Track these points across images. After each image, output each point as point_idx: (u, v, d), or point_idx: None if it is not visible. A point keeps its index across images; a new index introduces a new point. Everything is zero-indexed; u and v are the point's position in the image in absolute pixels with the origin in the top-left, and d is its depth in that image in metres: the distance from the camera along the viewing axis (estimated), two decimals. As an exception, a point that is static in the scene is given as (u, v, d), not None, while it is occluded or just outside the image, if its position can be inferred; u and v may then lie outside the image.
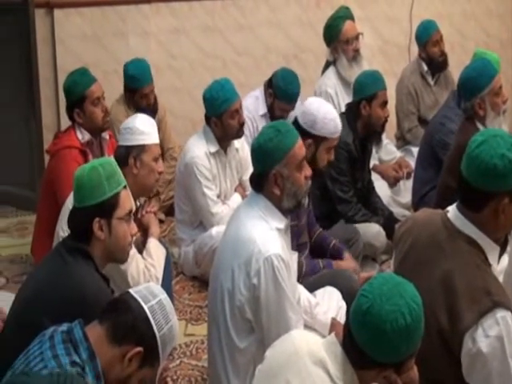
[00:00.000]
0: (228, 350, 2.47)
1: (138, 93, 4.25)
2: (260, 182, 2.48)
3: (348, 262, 3.30)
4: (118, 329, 1.81)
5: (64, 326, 1.85)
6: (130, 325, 1.81)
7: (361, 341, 1.66)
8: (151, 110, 4.26)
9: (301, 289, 2.77)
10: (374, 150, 4.02)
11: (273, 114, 4.19)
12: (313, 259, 3.19)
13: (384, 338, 1.63)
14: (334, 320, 2.74)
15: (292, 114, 4.25)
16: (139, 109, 4.22)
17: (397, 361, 1.67)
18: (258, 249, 2.37)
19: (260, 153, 2.47)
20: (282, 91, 4.11)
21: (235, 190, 3.87)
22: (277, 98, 4.15)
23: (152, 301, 1.86)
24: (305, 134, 3.01)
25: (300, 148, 2.49)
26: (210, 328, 2.58)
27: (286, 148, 2.44)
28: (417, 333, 1.67)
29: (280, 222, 2.46)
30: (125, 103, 4.31)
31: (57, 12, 4.75)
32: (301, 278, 2.94)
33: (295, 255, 2.67)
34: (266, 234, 2.41)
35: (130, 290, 1.91)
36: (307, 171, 2.51)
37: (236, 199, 3.77)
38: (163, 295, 1.90)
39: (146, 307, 1.84)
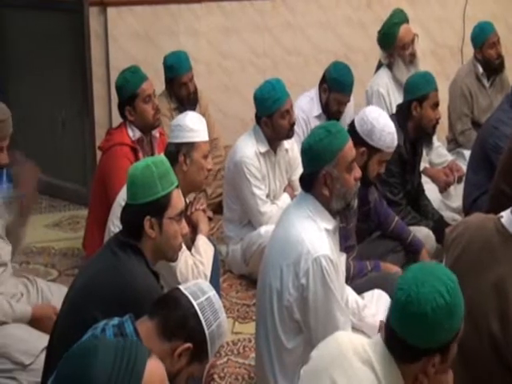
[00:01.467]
0: (275, 349, 2.47)
1: (177, 81, 4.32)
2: (309, 183, 2.48)
3: (395, 266, 3.27)
4: (167, 324, 1.83)
5: (115, 320, 1.87)
6: (179, 321, 1.83)
7: (405, 332, 1.66)
8: (191, 99, 4.35)
9: (349, 290, 2.76)
10: (424, 153, 3.98)
11: (329, 110, 4.17)
12: (361, 261, 3.18)
13: (426, 321, 1.62)
14: (382, 323, 2.70)
15: (348, 109, 4.24)
16: (180, 99, 4.33)
17: (443, 342, 1.66)
18: (306, 249, 2.37)
19: (310, 153, 2.46)
20: (336, 82, 4.09)
21: (284, 190, 3.87)
22: (332, 90, 4.12)
23: (201, 297, 1.88)
24: (360, 141, 3.00)
25: (350, 149, 2.47)
26: (257, 327, 2.59)
27: (336, 149, 2.43)
28: (458, 309, 1.66)
29: (328, 223, 2.46)
30: (167, 96, 4.39)
31: (110, 10, 4.82)
32: (349, 280, 2.94)
33: (343, 256, 2.66)
34: (315, 235, 2.40)
35: (180, 287, 1.93)
36: (357, 173, 2.49)
37: (285, 199, 3.77)
38: (212, 292, 1.92)
39: (195, 303, 1.86)
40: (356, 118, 3.17)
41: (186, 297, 1.87)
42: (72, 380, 1.39)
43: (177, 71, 4.33)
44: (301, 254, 2.37)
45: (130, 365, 1.38)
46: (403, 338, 1.66)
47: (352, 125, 3.11)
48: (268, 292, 2.46)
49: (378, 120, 3.07)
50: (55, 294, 2.86)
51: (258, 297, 2.59)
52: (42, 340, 2.46)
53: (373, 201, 3.31)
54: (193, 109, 4.38)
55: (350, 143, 2.48)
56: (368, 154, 3.06)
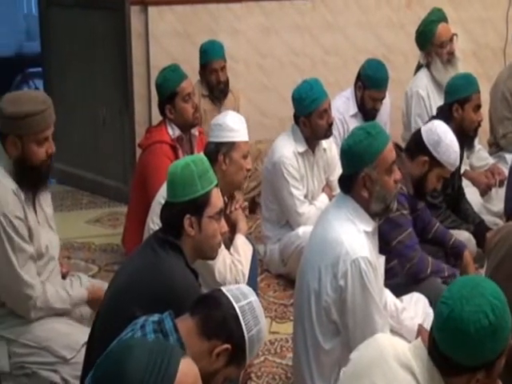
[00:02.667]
0: (313, 350, 2.47)
1: (208, 67, 4.36)
2: (348, 184, 2.46)
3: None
4: (208, 323, 1.83)
5: (155, 317, 1.89)
6: (220, 321, 1.84)
7: (446, 348, 1.64)
8: (221, 89, 4.38)
9: (387, 293, 2.74)
10: (465, 156, 3.93)
11: (364, 108, 4.17)
12: (440, 263, 3.13)
13: (469, 340, 1.59)
14: (420, 326, 2.70)
15: (384, 107, 4.22)
16: (210, 86, 4.37)
17: (486, 362, 1.63)
18: (345, 251, 2.36)
19: (349, 155, 2.44)
20: (370, 78, 4.09)
21: (322, 190, 3.87)
22: (366, 87, 4.13)
23: (243, 301, 1.88)
24: (424, 150, 3.02)
25: (390, 151, 2.44)
26: (295, 327, 2.58)
27: (375, 151, 2.40)
28: (503, 330, 1.62)
29: (368, 225, 2.44)
30: (199, 83, 4.42)
31: (151, 9, 4.84)
32: (424, 274, 2.98)
33: (382, 258, 2.64)
34: (354, 237, 2.39)
35: (222, 288, 1.93)
36: (397, 175, 2.46)
37: (323, 199, 3.77)
38: (254, 297, 1.92)
39: (236, 306, 1.86)
40: (423, 127, 3.17)
41: (228, 299, 1.87)
42: (107, 375, 1.43)
43: (208, 56, 4.39)
44: (339, 256, 2.36)
45: (163, 364, 1.41)
46: (445, 352, 1.64)
47: (418, 133, 3.11)
48: (306, 292, 2.46)
49: (445, 135, 3.06)
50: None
51: (296, 297, 2.59)
52: (83, 335, 2.48)
53: (420, 209, 3.29)
54: (222, 99, 4.42)
55: (390, 145, 2.45)
56: (429, 165, 3.05)
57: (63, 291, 2.71)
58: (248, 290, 1.95)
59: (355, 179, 2.42)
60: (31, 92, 2.78)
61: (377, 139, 2.41)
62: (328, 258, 2.39)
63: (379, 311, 2.42)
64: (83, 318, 2.81)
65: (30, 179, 2.60)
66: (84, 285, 2.90)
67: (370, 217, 2.45)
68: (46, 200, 2.75)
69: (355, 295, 2.36)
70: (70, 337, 2.68)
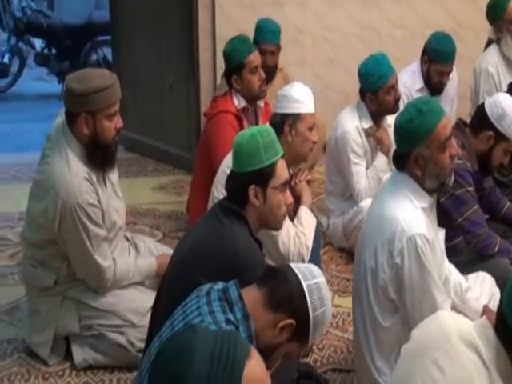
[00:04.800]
0: (371, 327, 2.44)
1: (258, 46, 4.11)
2: (402, 162, 2.40)
3: None
4: (274, 296, 1.85)
5: (220, 285, 1.91)
6: (286, 295, 1.85)
7: None
8: (266, 73, 3.89)
9: (453, 270, 2.70)
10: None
11: (430, 82, 4.10)
12: (509, 245, 3.07)
13: None
14: (486, 307, 2.65)
15: (451, 83, 4.13)
16: None
17: None
18: (401, 227, 2.30)
19: (401, 133, 2.38)
20: (436, 51, 4.02)
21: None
22: (432, 61, 4.05)
23: (310, 280, 1.89)
24: (488, 124, 2.95)
25: (444, 128, 2.33)
26: (354, 304, 2.56)
27: (427, 129, 2.31)
28: None
29: (424, 202, 2.37)
30: None
31: (217, -21, 4.85)
32: (492, 251, 2.95)
33: (442, 232, 2.59)
34: (410, 214, 2.33)
35: (291, 265, 1.94)
36: (453, 150, 2.37)
37: (377, 163, 3.69)
38: (322, 278, 1.92)
39: (304, 284, 1.87)
40: (487, 100, 3.09)
41: (296, 275, 1.88)
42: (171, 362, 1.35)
43: (259, 35, 4.20)
44: (395, 233, 2.31)
45: (227, 370, 1.33)
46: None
47: (482, 107, 3.04)
48: (363, 270, 2.43)
49: (510, 107, 2.97)
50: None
51: (354, 274, 2.56)
52: (150, 299, 2.53)
53: (488, 188, 3.22)
54: (267, 82, 4.08)
55: (443, 121, 2.33)
56: (494, 140, 2.98)
57: (132, 267, 2.79)
58: (317, 270, 1.95)
59: (408, 157, 2.36)
60: (94, 70, 2.85)
61: (428, 117, 2.32)
62: (384, 235, 2.34)
63: (438, 287, 2.36)
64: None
65: (101, 159, 2.66)
66: (149, 249, 2.96)
67: (427, 193, 2.40)
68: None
69: (412, 273, 2.31)
70: (137, 302, 2.75)
